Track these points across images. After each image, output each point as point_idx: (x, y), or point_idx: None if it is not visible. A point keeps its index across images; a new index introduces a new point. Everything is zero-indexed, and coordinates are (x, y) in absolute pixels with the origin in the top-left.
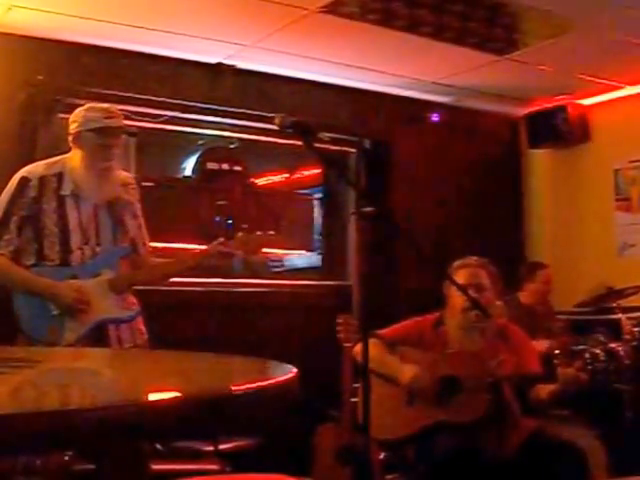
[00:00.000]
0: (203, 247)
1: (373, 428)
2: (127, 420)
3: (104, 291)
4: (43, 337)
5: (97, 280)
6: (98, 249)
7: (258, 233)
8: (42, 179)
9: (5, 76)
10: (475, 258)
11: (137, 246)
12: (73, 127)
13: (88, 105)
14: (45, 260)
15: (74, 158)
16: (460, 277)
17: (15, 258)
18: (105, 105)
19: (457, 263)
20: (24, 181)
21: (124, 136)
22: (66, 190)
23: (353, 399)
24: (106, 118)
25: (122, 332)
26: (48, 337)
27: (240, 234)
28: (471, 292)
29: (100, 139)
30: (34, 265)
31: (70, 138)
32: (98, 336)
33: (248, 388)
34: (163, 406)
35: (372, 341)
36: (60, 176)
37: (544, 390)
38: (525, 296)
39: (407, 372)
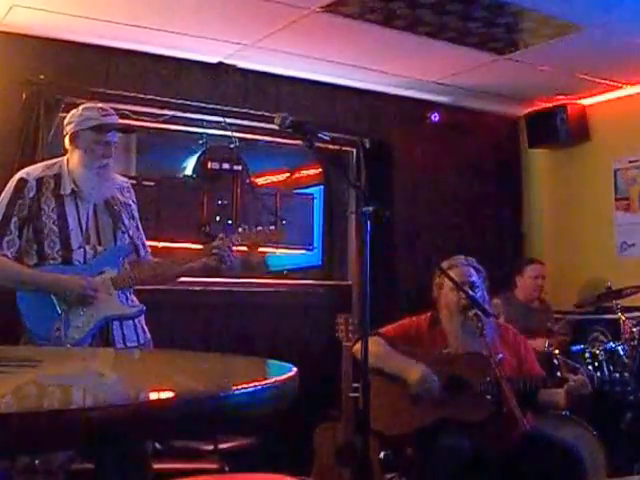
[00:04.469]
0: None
1: (377, 423)
2: (127, 420)
3: (108, 289)
4: (48, 336)
5: (101, 278)
6: (99, 248)
7: (259, 228)
8: (39, 180)
9: (7, 75)
10: (462, 257)
11: (137, 247)
12: (70, 127)
13: (83, 105)
14: (47, 259)
15: (72, 159)
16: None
17: (18, 259)
18: (100, 104)
19: (446, 263)
20: (22, 182)
21: (120, 134)
22: (66, 190)
23: (353, 394)
24: (102, 116)
25: (126, 330)
26: (53, 336)
27: (241, 229)
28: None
29: (98, 136)
30: (36, 265)
31: (67, 139)
32: (103, 334)
33: (248, 388)
34: (162, 406)
35: (375, 339)
36: (58, 177)
37: (559, 396)
38: (519, 292)
39: (415, 372)
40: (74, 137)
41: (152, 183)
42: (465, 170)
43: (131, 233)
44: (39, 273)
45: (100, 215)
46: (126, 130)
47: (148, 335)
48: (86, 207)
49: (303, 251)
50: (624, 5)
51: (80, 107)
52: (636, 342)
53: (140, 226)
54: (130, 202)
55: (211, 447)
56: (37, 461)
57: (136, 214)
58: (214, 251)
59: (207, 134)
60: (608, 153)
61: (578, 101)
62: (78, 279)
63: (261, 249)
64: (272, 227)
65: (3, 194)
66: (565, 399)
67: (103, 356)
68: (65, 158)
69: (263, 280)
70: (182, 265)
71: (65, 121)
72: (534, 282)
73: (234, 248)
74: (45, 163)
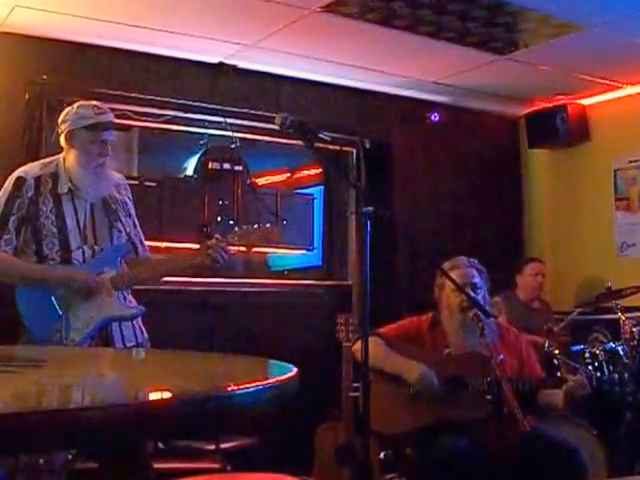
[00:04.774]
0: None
1: (377, 424)
2: (128, 419)
3: (107, 289)
4: (48, 336)
5: (100, 278)
6: (97, 248)
7: (255, 226)
8: (38, 179)
9: (9, 76)
10: (464, 258)
11: (135, 245)
12: (64, 126)
13: (78, 103)
14: (46, 260)
15: (68, 157)
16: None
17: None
18: (94, 102)
19: (447, 264)
20: (20, 181)
21: (116, 132)
22: (63, 189)
23: (353, 394)
24: (97, 114)
25: (125, 331)
26: (53, 336)
27: (237, 228)
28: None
29: (93, 135)
30: None
31: (62, 138)
32: (102, 335)
33: (248, 388)
34: (163, 406)
35: (374, 340)
36: (55, 176)
37: (558, 397)
38: (519, 291)
39: (414, 370)
40: (69, 136)
41: (154, 183)
42: (465, 170)
43: (128, 231)
44: (47, 267)
45: (97, 214)
46: (121, 128)
47: (146, 335)
48: (83, 206)
49: (303, 251)
50: (624, 5)
51: (75, 105)
52: (636, 342)
53: (137, 224)
54: (126, 199)
55: (213, 447)
56: (41, 460)
57: (133, 212)
58: (208, 251)
59: (208, 134)
60: (608, 153)
61: (578, 101)
62: (86, 272)
63: (262, 249)
64: (268, 225)
65: (1, 193)
66: (564, 400)
67: (107, 356)
68: (61, 156)
69: (264, 280)
70: (182, 264)
71: (60, 119)
72: (534, 280)
73: (235, 248)
74: (42, 162)
